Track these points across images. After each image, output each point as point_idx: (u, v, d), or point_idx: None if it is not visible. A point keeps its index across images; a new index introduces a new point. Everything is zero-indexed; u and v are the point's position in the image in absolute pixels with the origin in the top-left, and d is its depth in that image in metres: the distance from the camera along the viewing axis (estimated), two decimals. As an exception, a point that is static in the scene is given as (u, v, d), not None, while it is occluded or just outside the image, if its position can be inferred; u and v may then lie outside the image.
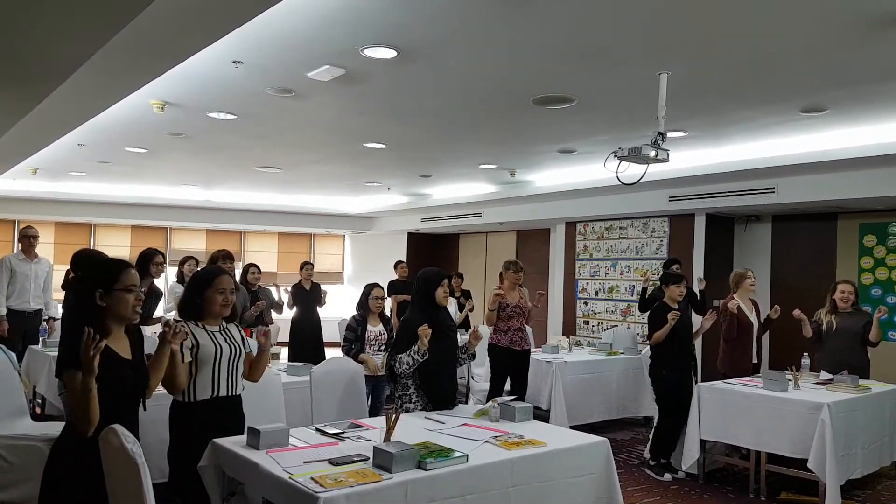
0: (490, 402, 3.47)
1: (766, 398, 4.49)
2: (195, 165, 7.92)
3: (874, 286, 6.90)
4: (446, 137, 6.08)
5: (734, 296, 5.42)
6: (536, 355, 6.00)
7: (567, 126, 5.47)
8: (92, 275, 2.50)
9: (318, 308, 7.38)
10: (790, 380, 4.65)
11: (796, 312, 5.30)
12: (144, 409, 2.53)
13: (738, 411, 4.59)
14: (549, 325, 9.58)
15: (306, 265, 7.46)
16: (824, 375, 5.04)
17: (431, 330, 3.45)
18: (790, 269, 7.58)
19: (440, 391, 3.55)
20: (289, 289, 7.41)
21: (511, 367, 5.60)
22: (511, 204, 9.43)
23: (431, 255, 12.19)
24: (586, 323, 9.08)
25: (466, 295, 8.49)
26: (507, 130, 5.74)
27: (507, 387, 5.60)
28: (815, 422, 4.18)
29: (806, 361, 5.25)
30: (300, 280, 7.43)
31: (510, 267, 5.74)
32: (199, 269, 6.33)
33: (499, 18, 3.26)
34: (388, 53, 3.73)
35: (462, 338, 3.99)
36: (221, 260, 5.49)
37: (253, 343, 3.17)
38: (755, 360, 5.48)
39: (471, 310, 8.23)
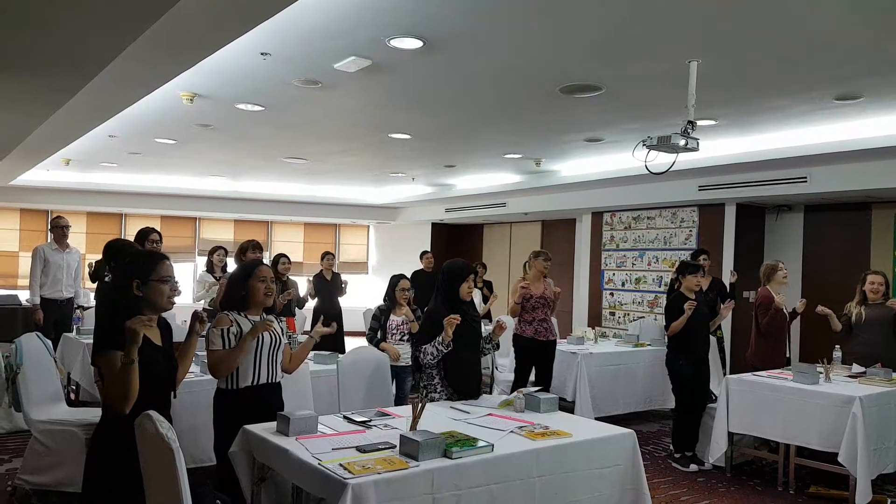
0: (515, 393, 3.47)
1: (797, 391, 4.42)
2: (223, 156, 8.02)
3: (909, 278, 6.73)
4: (471, 127, 6.07)
5: (768, 287, 5.32)
6: (562, 346, 5.98)
7: (594, 115, 5.42)
8: (129, 265, 2.58)
9: (339, 298, 7.46)
10: (821, 373, 4.58)
11: (820, 308, 5.21)
12: (175, 397, 2.61)
13: (767, 404, 4.53)
14: (574, 317, 9.54)
15: (327, 255, 7.54)
16: (856, 368, 4.94)
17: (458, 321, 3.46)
18: (822, 261, 7.42)
19: (464, 382, 3.56)
20: (310, 278, 7.50)
21: (536, 358, 5.59)
22: (536, 194, 9.38)
23: (455, 245, 12.20)
24: (612, 314, 9.01)
25: (489, 287, 8.48)
26: (533, 119, 5.70)
27: (532, 377, 5.60)
28: (846, 415, 4.11)
29: (837, 354, 5.16)
30: (321, 270, 7.51)
31: (539, 255, 5.69)
32: (227, 257, 6.44)
33: (526, 7, 3.23)
34: (414, 44, 3.73)
35: (486, 328, 4.00)
36: (251, 250, 5.56)
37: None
38: (787, 355, 5.40)
39: (493, 298, 8.23)
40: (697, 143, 4.09)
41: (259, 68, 4.26)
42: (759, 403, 4.56)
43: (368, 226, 13.54)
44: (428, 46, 3.77)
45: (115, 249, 4.08)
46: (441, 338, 3.46)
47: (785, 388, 4.49)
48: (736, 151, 6.44)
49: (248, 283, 3.05)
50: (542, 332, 5.57)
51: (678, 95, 4.19)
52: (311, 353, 4.71)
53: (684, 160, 4.54)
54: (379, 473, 2.30)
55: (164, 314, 2.61)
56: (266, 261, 6.41)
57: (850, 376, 4.77)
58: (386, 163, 8.31)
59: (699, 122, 4.64)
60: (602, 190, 8.50)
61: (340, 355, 4.40)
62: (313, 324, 7.33)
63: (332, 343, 6.64)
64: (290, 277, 6.58)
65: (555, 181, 8.50)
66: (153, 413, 2.18)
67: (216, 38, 3.33)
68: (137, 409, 2.29)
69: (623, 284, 8.86)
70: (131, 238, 5.30)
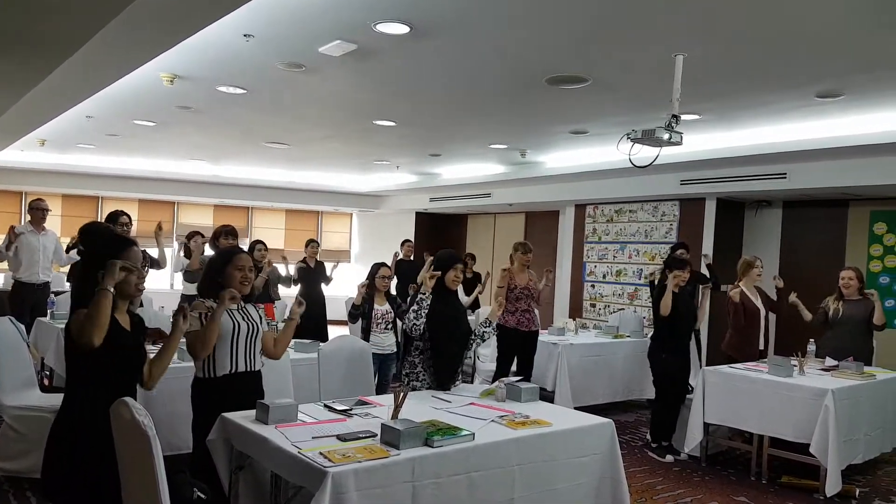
0: (496, 383, 3.49)
1: (772, 383, 4.50)
2: (203, 140, 7.90)
3: (883, 274, 6.86)
4: (457, 116, 6.04)
5: (738, 284, 5.42)
6: (543, 337, 6.02)
7: (580, 107, 5.42)
8: (96, 251, 2.54)
9: (322, 286, 7.41)
10: (795, 365, 4.66)
11: (792, 297, 5.32)
12: (142, 387, 2.60)
13: (742, 395, 4.60)
14: (555, 308, 9.59)
15: (311, 243, 7.48)
16: (829, 362, 5.04)
17: (437, 276, 3.52)
18: (800, 256, 7.54)
19: (446, 372, 3.56)
20: (295, 264, 7.45)
21: (518, 348, 5.63)
22: (520, 185, 9.38)
23: (439, 235, 12.18)
24: (593, 306, 9.08)
25: (477, 279, 8.49)
26: (519, 110, 5.69)
27: (514, 367, 5.64)
28: (818, 407, 4.20)
29: (812, 347, 5.26)
30: (305, 258, 7.46)
31: (519, 248, 5.75)
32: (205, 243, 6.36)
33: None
34: (401, 29, 3.69)
35: (472, 318, 4.01)
36: (224, 236, 5.49)
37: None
38: (761, 347, 5.49)
39: (480, 292, 8.24)
40: (681, 137, 4.11)
41: (242, 50, 4.19)
42: (735, 395, 4.64)
43: (351, 214, 13.46)
44: (415, 32, 3.73)
45: (89, 233, 4.01)
46: (420, 297, 3.49)
47: (760, 381, 4.56)
48: (718, 146, 6.50)
49: (225, 270, 3.01)
50: (525, 323, 5.61)
51: (663, 89, 4.20)
52: (292, 342, 4.68)
53: (667, 154, 4.56)
54: (359, 462, 2.29)
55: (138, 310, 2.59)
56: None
57: (823, 369, 4.86)
58: (370, 150, 8.24)
59: (683, 117, 4.66)
60: (585, 182, 8.54)
61: (322, 343, 4.38)
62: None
63: (315, 331, 6.61)
64: (275, 265, 6.51)
65: (539, 172, 8.51)
66: (129, 400, 2.15)
67: (198, 19, 3.26)
68: (101, 393, 2.27)
69: (604, 276, 8.92)
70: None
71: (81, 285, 2.52)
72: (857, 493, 4.30)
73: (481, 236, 12.01)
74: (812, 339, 5.33)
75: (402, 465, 2.38)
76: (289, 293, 7.27)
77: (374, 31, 3.74)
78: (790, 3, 3.16)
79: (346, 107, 5.86)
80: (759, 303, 5.43)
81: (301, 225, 13.00)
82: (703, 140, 6.38)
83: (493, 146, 7.53)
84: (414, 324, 3.51)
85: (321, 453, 2.34)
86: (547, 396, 5.47)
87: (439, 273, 3.53)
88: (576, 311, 9.24)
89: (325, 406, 3.04)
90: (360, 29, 3.73)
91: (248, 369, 3.02)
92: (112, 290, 2.33)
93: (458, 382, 3.63)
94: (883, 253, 6.91)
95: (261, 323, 3.10)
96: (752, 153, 6.33)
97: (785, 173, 6.63)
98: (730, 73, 4.36)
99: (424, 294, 3.52)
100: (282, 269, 7.03)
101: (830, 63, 4.06)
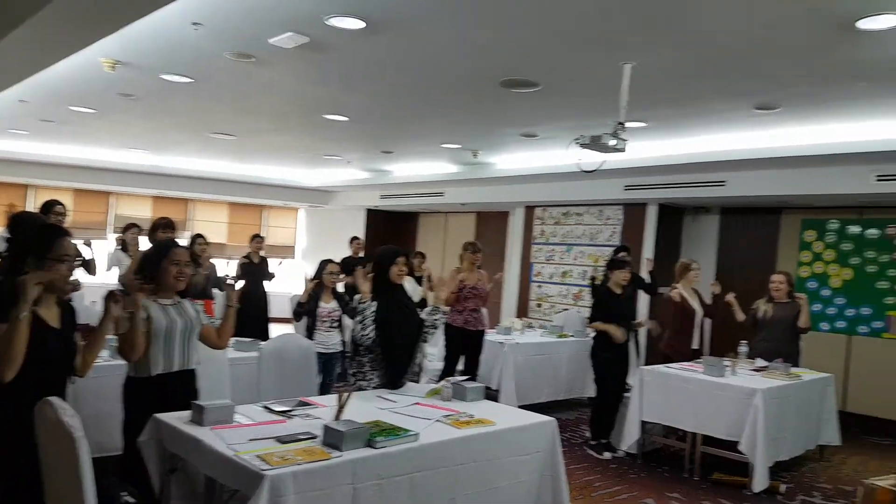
0: (443, 382, 3.50)
1: (705, 383, 4.67)
2: (145, 129, 7.62)
3: (811, 279, 7.21)
4: (410, 114, 6.02)
5: (676, 285, 5.61)
6: (489, 336, 6.08)
7: (531, 110, 5.48)
8: (25, 240, 2.41)
9: (265, 283, 7.28)
10: (728, 366, 4.84)
11: (729, 296, 5.55)
12: (72, 383, 2.48)
13: (677, 394, 4.76)
14: (503, 307, 9.69)
15: (256, 238, 7.34)
16: (760, 363, 5.26)
17: (371, 273, 3.45)
18: (735, 260, 7.84)
19: (397, 371, 3.53)
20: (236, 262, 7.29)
21: (465, 348, 5.67)
22: (472, 185, 9.43)
23: (390, 232, 12.10)
24: (539, 306, 9.22)
25: (428, 278, 8.46)
26: (472, 111, 5.71)
27: (461, 366, 5.67)
28: (748, 407, 4.38)
29: (744, 349, 5.47)
30: (249, 253, 7.30)
31: (468, 248, 5.81)
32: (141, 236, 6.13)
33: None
34: (355, 24, 3.64)
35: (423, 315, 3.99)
36: (162, 229, 5.33)
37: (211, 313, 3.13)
38: (696, 346, 5.70)
39: (431, 289, 8.23)
40: (625, 145, 4.22)
41: (189, 38, 4.06)
42: (670, 394, 4.79)
43: (299, 208, 13.24)
44: (369, 28, 3.70)
45: (19, 222, 3.81)
46: (360, 297, 3.43)
47: (694, 380, 4.73)
48: (661, 154, 6.69)
49: (160, 264, 2.91)
50: (472, 322, 5.66)
51: (612, 96, 4.29)
52: (232, 340, 4.56)
53: (613, 160, 4.68)
54: (298, 464, 2.25)
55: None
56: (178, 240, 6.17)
57: (753, 370, 5.07)
58: (320, 144, 8.12)
59: (630, 124, 4.78)
60: (535, 185, 8.65)
61: (262, 342, 4.30)
62: (239, 310, 7.13)
63: (256, 329, 6.47)
64: (211, 261, 6.35)
65: (491, 173, 8.58)
66: (54, 399, 2.05)
67: (144, 4, 3.15)
68: (29, 394, 2.15)
69: (551, 277, 9.07)
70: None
71: (5, 280, 2.36)
72: (783, 488, 4.50)
73: (433, 235, 12.01)
74: (744, 341, 5.55)
75: (343, 467, 2.35)
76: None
77: (328, 25, 3.68)
78: (732, 19, 3.28)
79: (297, 100, 5.76)
80: (695, 304, 5.63)
81: (245, 219, 12.70)
82: (648, 147, 6.55)
83: (445, 145, 7.54)
84: (363, 335, 3.45)
85: (258, 456, 2.29)
86: (492, 395, 5.52)
87: (367, 270, 3.46)
88: (523, 310, 9.36)
89: (264, 407, 2.98)
90: (312, 22, 3.67)
91: (183, 368, 2.93)
92: (26, 316, 2.14)
93: (408, 380, 3.62)
94: (812, 259, 7.26)
95: (198, 319, 3.02)
96: (693, 161, 6.54)
97: (723, 181, 6.88)
98: (674, 84, 4.50)
99: (365, 302, 3.45)
100: (221, 269, 6.85)
101: (768, 77, 4.24)
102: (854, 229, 6.95)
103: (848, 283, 6.96)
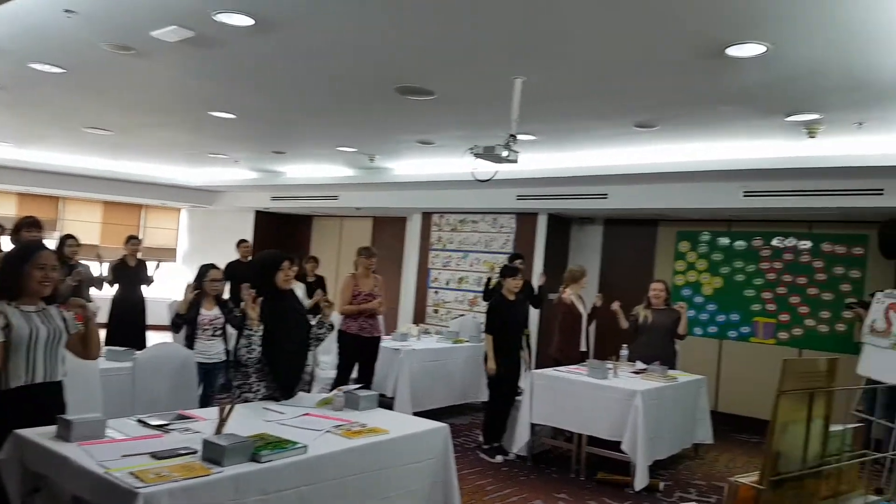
0: (334, 391, 3.41)
1: (589, 385, 4.88)
2: (11, 120, 6.95)
3: (685, 287, 7.76)
4: (303, 115, 5.87)
5: (565, 290, 5.85)
6: (385, 343, 6.03)
7: (427, 118, 5.52)
8: None
9: (142, 287, 6.84)
10: (610, 368, 5.09)
11: (614, 305, 5.85)
12: None
13: (564, 397, 4.94)
14: (400, 313, 9.66)
15: (132, 239, 6.89)
16: (639, 365, 5.57)
17: (255, 291, 3.29)
18: (617, 268, 8.29)
19: (289, 378, 3.41)
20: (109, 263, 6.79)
21: (359, 355, 5.58)
22: (368, 189, 9.35)
23: (281, 236, 11.73)
24: (436, 311, 9.28)
25: (320, 282, 8.28)
26: (367, 115, 5.66)
27: (355, 374, 5.57)
28: (629, 407, 4.61)
29: (625, 352, 5.77)
30: (124, 255, 6.83)
31: (363, 253, 5.71)
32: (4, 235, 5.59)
33: (363, 2, 3.18)
34: (243, 21, 3.50)
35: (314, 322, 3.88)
36: (26, 228, 4.88)
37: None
38: (584, 349, 5.95)
39: (326, 303, 8.05)
40: (517, 156, 4.34)
41: (62, 26, 3.73)
42: (558, 396, 4.96)
43: (180, 209, 12.55)
44: (259, 25, 3.57)
45: None
46: (249, 323, 3.27)
47: (580, 383, 4.93)
48: (550, 166, 6.97)
49: (23, 268, 2.64)
50: (367, 329, 5.57)
51: (504, 108, 4.41)
52: (105, 350, 4.22)
53: (506, 171, 4.80)
54: (176, 481, 2.12)
55: None
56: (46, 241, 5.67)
57: (634, 372, 5.36)
58: (205, 142, 7.74)
59: (521, 136, 4.93)
60: (432, 191, 8.72)
61: (138, 351, 4.02)
62: (112, 316, 6.64)
63: (132, 337, 6.05)
64: (85, 263, 5.88)
65: (388, 178, 8.56)
66: None
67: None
68: None
69: (447, 283, 9.17)
70: None
71: None
72: (662, 486, 4.77)
73: (327, 239, 11.77)
74: (625, 345, 5.86)
75: (225, 484, 2.23)
76: (102, 295, 6.59)
77: (215, 21, 3.52)
78: (612, 42, 3.46)
79: (181, 95, 5.46)
80: (582, 308, 5.89)
81: (121, 219, 11.85)
82: (538, 159, 6.80)
83: (341, 148, 7.43)
84: (248, 357, 3.30)
85: (132, 473, 2.13)
86: (387, 403, 5.48)
87: (253, 291, 3.29)
88: (420, 316, 9.39)
89: (139, 421, 2.78)
90: (198, 16, 3.49)
91: (47, 380, 2.68)
92: None
93: (298, 390, 3.50)
94: (686, 268, 7.81)
95: (65, 326, 2.76)
96: (578, 174, 6.87)
97: (606, 194, 7.27)
98: (562, 99, 4.69)
99: (252, 329, 3.27)
100: (94, 269, 6.35)
101: (646, 97, 4.52)
102: (724, 241, 7.55)
103: (718, 290, 7.55)
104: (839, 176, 5.68)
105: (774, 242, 7.20)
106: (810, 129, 4.81)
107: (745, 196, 6.39)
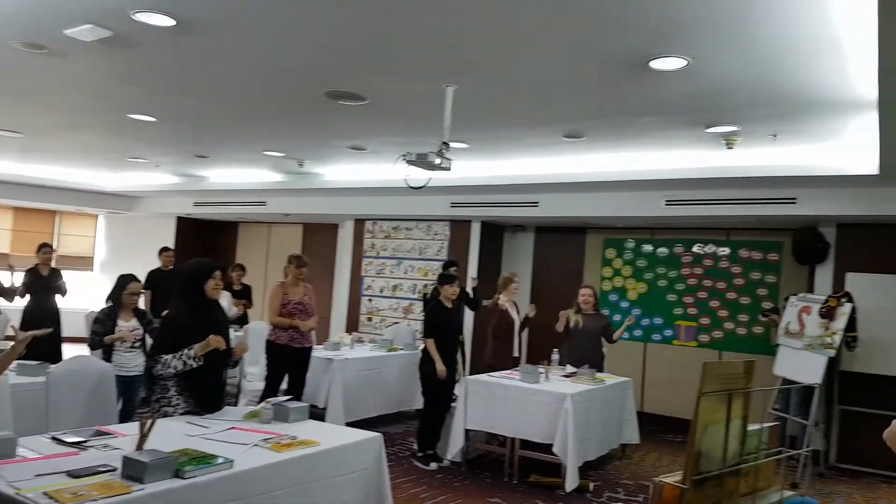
0: (263, 404, 3.32)
1: (521, 389, 4.95)
2: None
3: (612, 292, 8.00)
4: (227, 118, 5.70)
5: (499, 296, 5.92)
6: (317, 353, 5.91)
7: (358, 123, 5.47)
8: None
9: (56, 298, 6.46)
10: (542, 372, 5.18)
11: (562, 313, 6.00)
12: None
13: (498, 402, 4.99)
14: (332, 323, 9.51)
15: (44, 247, 6.52)
16: (569, 369, 5.70)
17: (216, 335, 3.21)
18: (547, 274, 8.47)
19: (210, 394, 3.29)
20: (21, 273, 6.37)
21: (289, 366, 5.43)
22: (298, 195, 9.17)
23: (205, 243, 11.33)
24: (370, 320, 9.19)
25: (246, 291, 8.05)
26: (295, 119, 5.56)
27: (284, 385, 5.42)
28: (559, 410, 4.71)
29: (556, 356, 5.89)
30: (36, 264, 6.45)
31: (293, 261, 5.58)
32: None
33: (289, 4, 3.13)
34: (164, 21, 3.37)
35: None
36: None
37: None
38: (517, 354, 6.04)
39: (245, 307, 7.85)
40: (450, 164, 4.37)
41: (-37, 19, 3.49)
42: (492, 402, 5.01)
43: (97, 215, 11.93)
44: (180, 26, 3.44)
45: None
46: (193, 350, 3.16)
47: (512, 387, 4.99)
48: (482, 174, 7.06)
49: None
50: (298, 339, 5.43)
51: (436, 116, 4.43)
52: (15, 364, 3.95)
53: (439, 178, 4.82)
54: (94, 500, 2.01)
55: None
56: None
57: (564, 376, 5.48)
58: (124, 145, 7.39)
59: (453, 144, 4.96)
60: (364, 198, 8.64)
61: (53, 365, 3.78)
62: (23, 327, 6.22)
63: (47, 351, 5.69)
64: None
65: (318, 184, 8.41)
66: None
67: None
68: None
69: (381, 291, 9.10)
70: None
71: None
72: (592, 486, 4.89)
73: (254, 246, 11.45)
74: (555, 349, 5.99)
75: (147, 502, 2.13)
76: (12, 307, 6.18)
77: (134, 20, 3.37)
78: (538, 53, 3.53)
79: (97, 97, 5.19)
80: (514, 314, 5.98)
81: (33, 226, 11.15)
82: (471, 167, 6.86)
83: (267, 153, 7.26)
84: (168, 374, 3.20)
85: (46, 493, 2.02)
86: (319, 414, 5.37)
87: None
88: (353, 325, 9.27)
89: (54, 438, 2.63)
90: (116, 15, 3.33)
91: None
92: None
93: (223, 403, 3.38)
94: (612, 274, 8.05)
95: None
96: (510, 182, 6.99)
97: (537, 202, 7.42)
98: (492, 108, 4.75)
99: (194, 356, 3.18)
100: (5, 279, 5.96)
101: (574, 108, 4.64)
102: (647, 248, 7.84)
103: (643, 295, 7.82)
104: (755, 185, 6.00)
105: (695, 249, 7.53)
106: (728, 141, 5.05)
107: (667, 205, 6.65)
